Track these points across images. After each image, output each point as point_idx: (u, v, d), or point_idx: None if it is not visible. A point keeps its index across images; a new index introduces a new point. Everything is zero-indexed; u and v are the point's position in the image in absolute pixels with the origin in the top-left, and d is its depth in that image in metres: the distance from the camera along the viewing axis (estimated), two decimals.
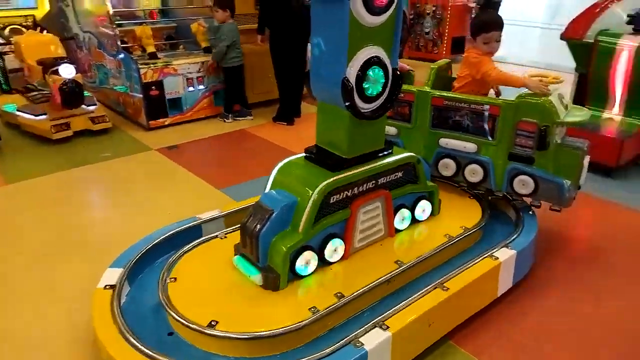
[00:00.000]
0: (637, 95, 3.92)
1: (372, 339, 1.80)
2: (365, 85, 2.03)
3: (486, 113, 2.59)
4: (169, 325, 1.97)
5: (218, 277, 2.13)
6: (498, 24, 2.68)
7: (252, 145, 4.71)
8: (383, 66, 2.07)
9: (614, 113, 4.11)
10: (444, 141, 2.76)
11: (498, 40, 2.68)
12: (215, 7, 4.96)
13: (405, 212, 2.45)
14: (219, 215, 2.64)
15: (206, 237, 2.45)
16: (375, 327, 1.86)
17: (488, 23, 2.70)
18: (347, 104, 2.01)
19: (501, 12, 7.34)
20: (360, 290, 2.03)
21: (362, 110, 2.08)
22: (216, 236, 2.46)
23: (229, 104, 5.33)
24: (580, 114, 2.51)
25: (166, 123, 5.06)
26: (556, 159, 2.49)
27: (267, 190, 2.24)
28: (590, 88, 4.18)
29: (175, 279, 2.09)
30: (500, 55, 8.23)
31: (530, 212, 2.68)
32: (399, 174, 2.37)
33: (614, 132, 3.86)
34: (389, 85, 2.14)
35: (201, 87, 5.23)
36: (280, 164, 2.28)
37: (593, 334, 2.27)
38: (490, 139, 2.62)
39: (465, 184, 2.80)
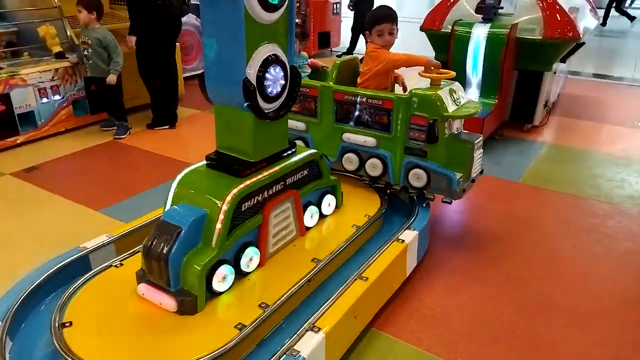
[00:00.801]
0: (489, 77, 4.40)
1: (307, 344, 1.75)
2: (266, 85, 1.95)
3: (381, 107, 2.63)
4: None
5: (122, 312, 1.88)
6: (388, 16, 2.73)
7: (128, 157, 4.30)
8: (282, 64, 2.00)
9: (473, 95, 4.56)
10: (346, 136, 2.79)
11: (391, 33, 2.73)
12: (79, 6, 4.39)
13: (313, 209, 2.43)
14: (107, 241, 2.35)
15: (98, 268, 2.16)
16: (307, 330, 1.81)
17: (378, 16, 2.76)
18: (250, 105, 1.90)
19: None
20: (284, 296, 1.95)
21: (266, 111, 2.00)
22: (110, 265, 2.18)
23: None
24: (469, 107, 2.58)
25: (18, 142, 4.38)
26: (448, 152, 2.55)
27: (167, 206, 2.04)
28: None
29: (70, 323, 1.80)
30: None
31: (424, 204, 2.75)
32: (305, 172, 2.33)
33: None
34: (288, 83, 2.08)
35: (57, 97, 4.63)
36: (180, 176, 2.09)
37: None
38: (387, 133, 2.67)
39: (367, 179, 2.84)
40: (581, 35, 4.30)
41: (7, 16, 5.24)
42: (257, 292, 2.01)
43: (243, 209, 2.00)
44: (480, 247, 2.91)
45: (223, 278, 1.95)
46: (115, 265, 2.17)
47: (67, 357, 1.65)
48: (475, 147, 2.57)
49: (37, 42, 4.84)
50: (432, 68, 2.65)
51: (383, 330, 2.23)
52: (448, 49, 4.51)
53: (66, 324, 1.79)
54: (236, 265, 2.02)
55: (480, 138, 2.62)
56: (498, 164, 4.09)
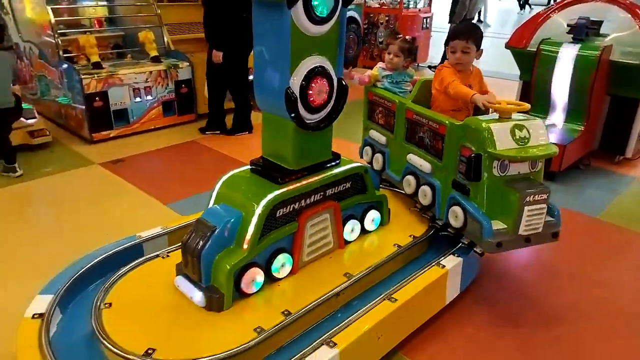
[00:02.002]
0: (576, 102, 4.07)
1: (320, 357, 1.74)
2: (310, 95, 1.98)
3: (437, 132, 2.43)
4: (104, 356, 1.82)
5: (157, 300, 2.00)
6: (462, 33, 2.53)
7: (204, 157, 4.57)
8: (327, 76, 2.02)
9: (556, 119, 4.25)
10: (409, 156, 2.65)
11: (465, 51, 2.49)
12: None
13: (354, 223, 2.41)
14: (161, 233, 2.51)
15: (147, 256, 2.32)
16: (323, 344, 1.79)
17: (453, 32, 2.66)
18: (291, 114, 1.95)
19: None
20: (308, 307, 1.96)
21: (307, 121, 2.03)
22: (157, 255, 2.33)
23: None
24: (533, 150, 2.16)
25: (111, 135, 4.84)
26: (493, 196, 2.18)
27: (210, 205, 2.14)
28: (534, 95, 4.31)
29: (110, 304, 1.95)
30: None
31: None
32: (347, 185, 2.33)
33: (557, 138, 3.99)
34: (334, 95, 2.09)
35: (149, 97, 5.05)
36: (225, 177, 2.19)
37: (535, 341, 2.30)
38: (439, 160, 2.45)
39: (419, 206, 2.66)
40: None
41: (117, 21, 5.85)
42: (283, 298, 2.03)
43: (278, 215, 2.04)
44: (535, 286, 2.69)
45: (252, 280, 2.00)
46: (163, 257, 2.32)
47: (100, 335, 1.79)
48: (528, 199, 2.10)
49: (138, 46, 5.34)
50: (482, 104, 2.34)
51: (410, 357, 2.14)
52: (532, 68, 4.25)
53: (106, 305, 1.95)
54: (267, 269, 2.06)
55: (544, 191, 2.13)
56: (578, 195, 3.77)
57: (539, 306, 2.52)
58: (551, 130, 4.16)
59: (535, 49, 4.24)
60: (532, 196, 2.10)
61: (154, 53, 5.23)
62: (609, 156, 4.39)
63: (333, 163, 2.27)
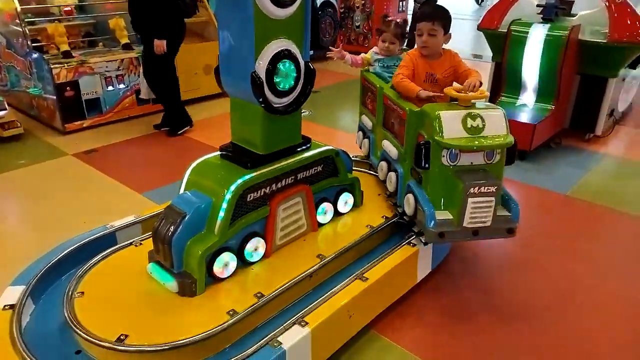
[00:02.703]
0: (546, 82, 4.14)
1: (291, 337, 1.77)
2: (277, 79, 1.99)
3: (402, 118, 2.37)
4: (77, 344, 1.83)
5: (130, 288, 2.01)
6: (428, 15, 2.42)
7: (179, 145, 4.54)
8: (294, 59, 2.03)
9: (528, 99, 4.32)
10: (384, 142, 2.64)
11: (431, 34, 2.38)
12: None
13: (327, 206, 2.44)
14: (134, 221, 2.51)
15: (119, 245, 2.32)
16: (294, 324, 1.83)
17: (419, 14, 2.51)
18: (258, 99, 1.95)
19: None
20: (280, 289, 1.98)
21: (275, 105, 2.04)
22: (131, 244, 2.33)
23: None
24: (483, 141, 2.07)
25: (84, 125, 4.77)
26: (442, 186, 2.13)
27: (180, 191, 2.14)
28: (505, 76, 4.37)
29: (82, 293, 1.95)
30: None
31: None
32: (319, 168, 2.35)
33: (527, 118, 4.06)
34: (301, 79, 2.10)
35: (122, 86, 4.98)
36: (194, 164, 2.19)
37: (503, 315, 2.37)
38: (402, 147, 2.42)
39: (387, 192, 2.68)
40: None
41: (87, 9, 5.72)
42: (256, 281, 2.06)
43: (249, 199, 2.05)
44: (507, 262, 2.76)
45: (225, 265, 2.02)
46: (136, 244, 2.32)
47: (72, 324, 1.79)
48: (473, 190, 2.02)
49: (109, 34, 5.23)
50: (427, 97, 2.31)
51: (383, 334, 2.20)
52: (503, 49, 4.30)
53: (78, 294, 1.95)
54: (240, 254, 2.08)
55: (491, 184, 2.03)
56: (548, 173, 3.85)
57: (512, 279, 2.60)
58: (522, 110, 4.24)
59: (505, 30, 4.28)
60: (476, 187, 2.03)
61: (125, 40, 5.14)
62: (579, 134, 4.49)
63: (303, 147, 2.29)
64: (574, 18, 4.14)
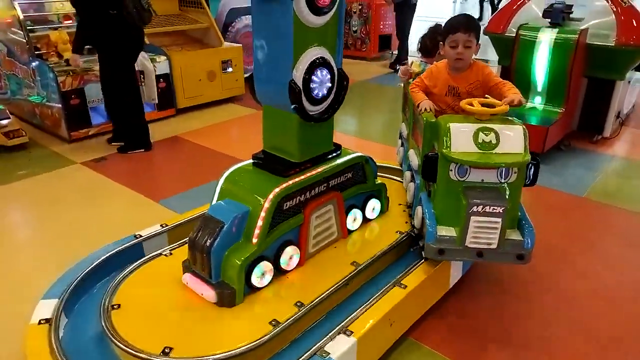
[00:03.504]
0: (556, 85, 4.19)
1: (338, 346, 1.76)
2: (313, 87, 1.98)
3: (422, 128, 2.30)
4: (117, 358, 1.80)
5: (167, 299, 1.98)
6: (463, 25, 2.29)
7: (188, 152, 4.50)
8: (329, 67, 2.02)
9: (537, 102, 4.36)
10: (410, 151, 2.61)
11: (467, 46, 2.28)
12: None
13: (356, 212, 2.43)
14: (161, 231, 2.48)
15: (149, 255, 2.29)
16: (339, 333, 1.82)
17: (452, 25, 2.32)
18: (295, 107, 1.94)
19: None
20: (320, 297, 1.97)
21: (311, 113, 2.03)
22: (160, 254, 2.30)
23: None
24: (494, 159, 1.95)
25: (90, 133, 4.71)
26: (448, 201, 2.05)
27: (214, 201, 2.12)
28: (514, 79, 4.40)
29: (119, 305, 1.92)
30: None
31: None
32: (349, 175, 2.34)
33: (539, 121, 4.10)
34: (335, 86, 2.10)
35: None
36: (227, 173, 2.17)
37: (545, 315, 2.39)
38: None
39: (407, 203, 2.67)
40: None
41: None
42: (294, 290, 2.04)
43: (285, 207, 2.04)
44: (532, 263, 2.77)
45: (262, 274, 2.00)
46: (165, 254, 2.29)
47: (112, 337, 1.76)
48: (476, 209, 1.94)
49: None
50: (426, 109, 2.27)
51: (421, 341, 2.19)
52: (512, 54, 4.34)
53: (115, 306, 1.92)
54: (276, 262, 2.06)
55: (497, 204, 1.93)
56: (561, 175, 3.89)
57: (536, 281, 2.61)
58: (533, 113, 4.28)
59: (513, 35, 4.33)
60: (480, 207, 1.93)
61: None
62: (587, 136, 4.54)
63: (334, 154, 2.28)
64: (580, 22, 4.19)
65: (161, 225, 2.51)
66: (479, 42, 2.34)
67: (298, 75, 1.92)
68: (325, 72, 2.00)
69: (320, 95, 2.03)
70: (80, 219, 3.27)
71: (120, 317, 1.87)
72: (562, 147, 4.35)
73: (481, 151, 1.96)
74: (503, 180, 2.01)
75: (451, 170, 2.01)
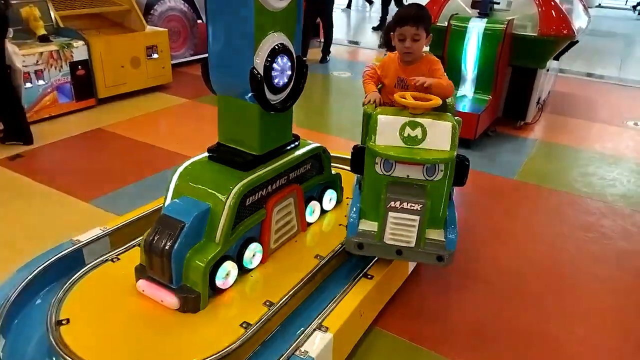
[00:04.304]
0: (485, 73, 4.39)
1: (316, 344, 1.71)
2: (274, 75, 1.88)
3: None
4: None
5: (122, 309, 1.81)
6: (411, 17, 2.13)
7: (114, 146, 4.16)
8: (289, 54, 1.93)
9: (467, 90, 4.55)
10: None
11: (416, 39, 2.13)
12: None
13: (315, 204, 2.38)
14: (102, 234, 2.26)
15: (93, 262, 2.07)
16: (315, 330, 1.77)
17: (400, 16, 2.18)
18: (257, 96, 1.84)
19: None
20: (289, 294, 1.90)
21: (272, 102, 1.93)
22: (106, 260, 2.10)
23: None
24: (415, 154, 1.88)
25: (1, 128, 4.20)
26: (373, 194, 2.00)
27: (168, 199, 1.96)
28: (446, 69, 4.53)
29: (67, 320, 1.72)
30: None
31: None
32: (308, 166, 2.28)
33: (470, 108, 4.28)
34: (295, 74, 2.01)
35: (41, 82, 4.45)
36: (181, 168, 2.01)
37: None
38: None
39: None
40: (576, 33, 4.31)
41: None
42: (260, 289, 1.96)
43: (247, 203, 1.94)
44: (479, 245, 2.90)
45: (226, 275, 1.89)
46: (112, 260, 2.10)
47: (65, 355, 1.57)
48: (393, 204, 1.89)
49: (20, 24, 4.64)
50: (366, 103, 2.15)
51: (387, 329, 2.21)
52: (444, 43, 4.48)
53: (63, 322, 1.71)
54: (239, 261, 1.96)
55: (415, 201, 1.89)
56: (492, 160, 4.10)
57: (486, 257, 2.74)
58: (463, 100, 4.46)
59: (444, 24, 4.46)
60: (398, 202, 1.89)
61: (41, 32, 4.60)
62: (511, 122, 4.83)
63: (293, 145, 2.21)
64: (506, 12, 4.41)
65: (101, 229, 2.29)
66: (430, 33, 2.21)
67: (259, 62, 1.81)
68: (285, 59, 1.91)
69: (282, 83, 1.94)
70: (2, 224, 2.91)
71: (71, 333, 1.67)
72: (489, 133, 4.59)
73: (406, 145, 1.90)
74: (429, 178, 1.96)
75: (377, 163, 1.96)
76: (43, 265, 2.01)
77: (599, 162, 4.14)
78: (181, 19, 6.34)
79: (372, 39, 9.41)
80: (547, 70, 4.80)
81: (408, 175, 1.96)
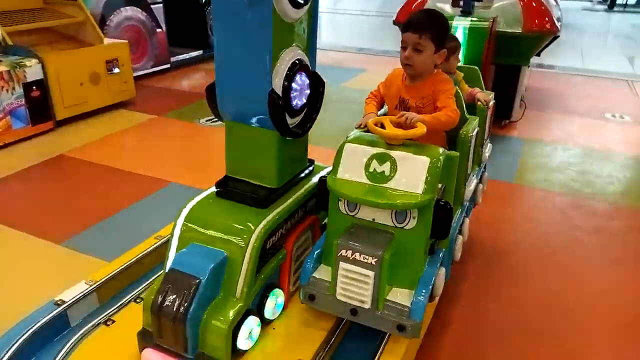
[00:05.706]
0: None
1: None
2: (293, 96, 1.62)
3: None
4: None
5: None
6: (415, 24, 1.84)
7: (81, 174, 3.74)
8: (307, 71, 1.67)
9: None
10: None
11: (417, 49, 1.82)
12: None
13: None
14: (89, 290, 1.89)
15: (83, 329, 1.74)
16: None
17: (406, 21, 1.88)
18: (275, 121, 1.56)
19: None
20: (325, 350, 1.64)
21: (291, 127, 1.66)
22: (98, 324, 1.77)
23: None
24: (376, 194, 1.54)
25: None
26: (334, 235, 1.66)
27: (172, 250, 1.66)
28: None
29: None
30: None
31: None
32: None
33: None
34: (312, 92, 1.75)
35: None
36: (187, 209, 1.70)
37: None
38: None
39: None
40: (558, 28, 4.25)
41: None
42: (286, 344, 1.68)
43: (268, 246, 1.66)
44: (496, 255, 2.74)
45: (250, 333, 1.61)
46: (107, 324, 1.77)
47: None
48: (344, 253, 1.54)
49: None
50: (356, 126, 1.86)
51: None
52: None
53: None
54: (260, 313, 1.68)
55: (369, 253, 1.51)
56: (489, 164, 3.95)
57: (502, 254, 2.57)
58: None
59: None
60: (348, 251, 1.53)
61: None
62: (496, 122, 4.71)
63: (307, 171, 1.94)
64: (489, 10, 4.30)
65: (87, 283, 1.94)
66: (444, 47, 1.83)
67: (278, 82, 1.54)
68: (304, 77, 1.65)
69: (300, 104, 1.68)
70: None
71: None
72: None
73: (370, 183, 1.58)
74: (398, 224, 1.57)
75: (340, 200, 1.64)
76: (21, 337, 1.65)
77: (590, 159, 4.09)
78: (139, 29, 5.92)
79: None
80: (529, 66, 4.73)
81: (374, 219, 1.60)
